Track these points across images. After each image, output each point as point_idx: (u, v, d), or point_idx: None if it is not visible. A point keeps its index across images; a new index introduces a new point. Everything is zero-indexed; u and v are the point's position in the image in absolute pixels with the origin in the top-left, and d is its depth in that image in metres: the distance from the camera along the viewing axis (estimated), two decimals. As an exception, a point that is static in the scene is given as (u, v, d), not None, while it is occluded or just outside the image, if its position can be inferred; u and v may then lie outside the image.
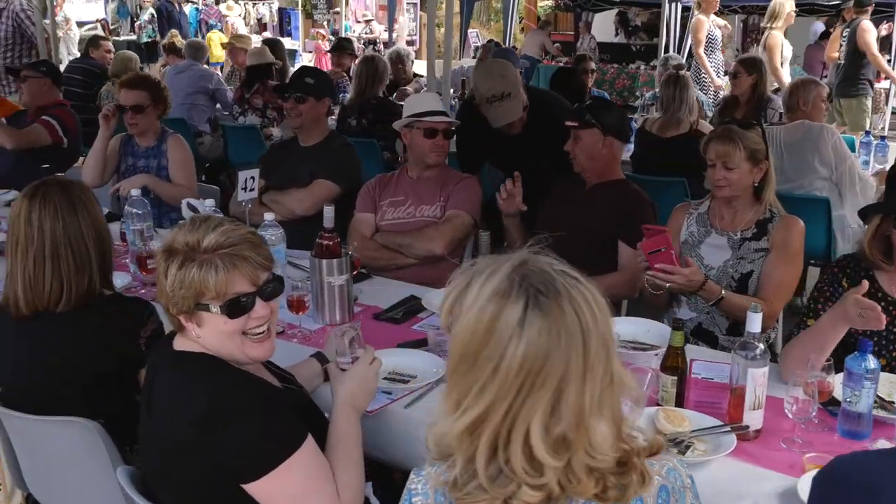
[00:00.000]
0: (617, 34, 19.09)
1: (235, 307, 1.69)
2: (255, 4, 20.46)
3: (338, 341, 2.02)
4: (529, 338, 1.23)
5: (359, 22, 21.60)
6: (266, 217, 2.98)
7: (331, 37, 17.97)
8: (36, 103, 4.81)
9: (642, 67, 14.76)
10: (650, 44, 17.81)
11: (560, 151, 3.52)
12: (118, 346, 2.13)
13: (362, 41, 18.08)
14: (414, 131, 3.41)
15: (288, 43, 16.37)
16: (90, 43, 7.45)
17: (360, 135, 5.34)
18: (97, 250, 2.16)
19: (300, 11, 21.67)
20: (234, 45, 7.96)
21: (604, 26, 18.51)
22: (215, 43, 13.70)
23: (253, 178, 2.89)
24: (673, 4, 13.69)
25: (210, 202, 2.95)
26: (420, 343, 2.49)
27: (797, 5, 14.27)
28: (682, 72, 4.99)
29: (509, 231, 3.43)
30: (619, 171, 3.45)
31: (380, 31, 19.54)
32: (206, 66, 7.21)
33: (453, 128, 3.49)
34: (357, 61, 5.97)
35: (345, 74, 7.27)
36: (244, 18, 20.57)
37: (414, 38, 22.62)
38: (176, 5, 10.94)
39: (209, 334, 1.70)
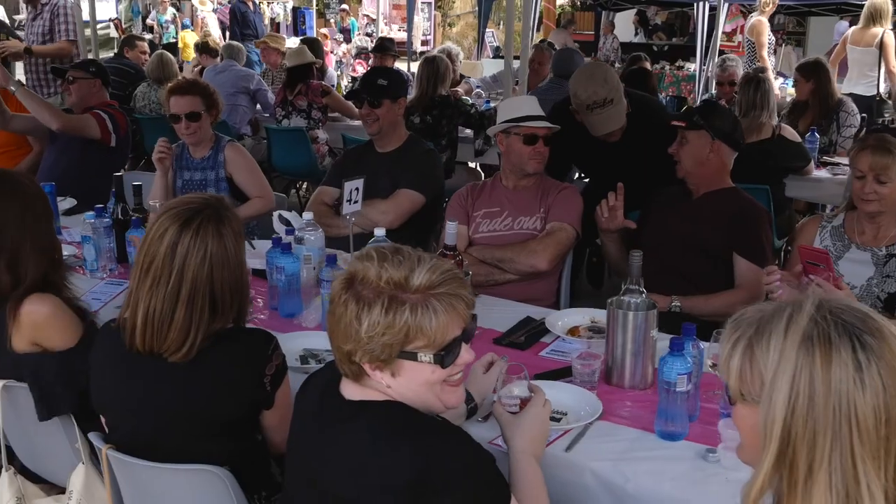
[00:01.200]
0: (637, 34, 18.88)
1: (450, 354, 1.45)
2: (269, 4, 20.20)
3: (503, 381, 1.80)
4: (873, 386, 0.99)
5: (367, 23, 21.41)
6: (305, 216, 2.80)
7: (338, 35, 17.66)
8: (84, 105, 4.56)
9: (667, 68, 14.53)
10: (674, 44, 17.65)
11: (662, 160, 3.31)
12: (243, 388, 1.89)
13: (370, 41, 17.82)
14: (512, 137, 3.17)
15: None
16: (125, 43, 7.21)
17: (423, 133, 5.19)
18: (239, 296, 1.92)
19: (314, 11, 21.43)
20: (268, 45, 7.72)
21: (623, 26, 18.30)
22: (188, 43, 13.39)
23: (357, 189, 2.65)
24: (701, 4, 13.47)
25: (308, 215, 2.73)
26: (561, 373, 2.26)
27: (823, 5, 14.08)
28: (761, 74, 4.75)
29: (608, 249, 3.21)
30: (728, 179, 3.20)
31: (388, 31, 19.34)
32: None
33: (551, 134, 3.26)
34: (419, 62, 5.74)
35: (387, 75, 7.04)
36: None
37: (428, 37, 22.42)
38: (250, 5, 10.58)
39: (406, 384, 1.46)
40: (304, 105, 6.04)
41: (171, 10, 17.34)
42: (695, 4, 13.63)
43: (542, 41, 7.46)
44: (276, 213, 2.87)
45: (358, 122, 6.36)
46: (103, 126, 4.41)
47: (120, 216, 3.14)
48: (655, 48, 17.32)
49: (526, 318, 2.69)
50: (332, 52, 14.97)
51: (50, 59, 6.05)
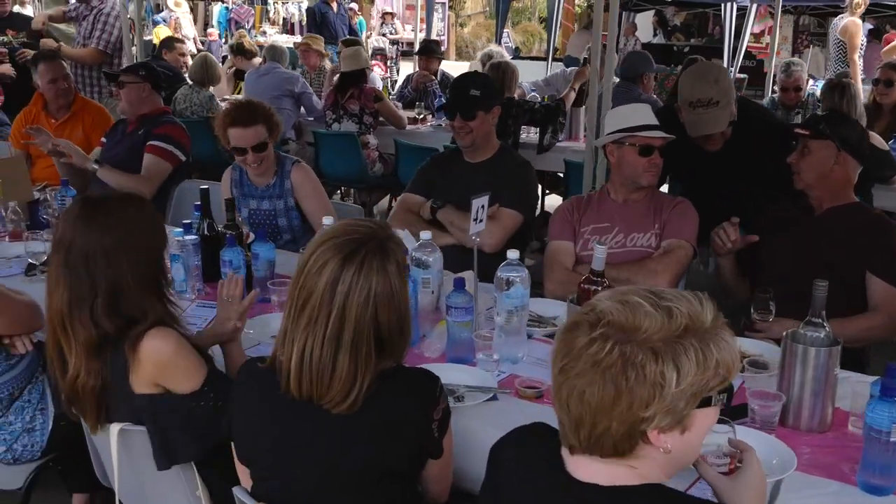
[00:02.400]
0: (655, 34, 18.66)
1: (729, 386, 1.28)
2: (284, 3, 19.98)
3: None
4: None
5: (383, 22, 21.16)
6: (423, 235, 2.59)
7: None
8: (136, 112, 4.32)
9: (691, 69, 14.22)
10: (694, 45, 17.45)
11: (769, 173, 3.10)
12: (411, 436, 1.67)
13: (387, 41, 17.60)
14: (625, 148, 2.96)
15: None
16: (163, 45, 7.00)
17: None
18: (406, 332, 1.70)
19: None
20: (310, 47, 7.49)
21: (642, 27, 18.09)
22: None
23: (483, 206, 2.44)
24: (728, 5, 13.29)
25: (427, 234, 2.52)
26: (732, 413, 2.04)
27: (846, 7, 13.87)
28: (845, 79, 4.54)
29: (724, 271, 3.00)
30: (852, 193, 2.99)
31: (401, 31, 19.09)
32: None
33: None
34: (486, 68, 5.53)
35: (433, 78, 6.82)
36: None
37: (442, 37, 22.20)
38: (333, 6, 10.24)
39: (693, 438, 1.27)
40: (356, 109, 5.82)
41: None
42: (722, 5, 13.46)
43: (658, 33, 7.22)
44: (400, 232, 2.65)
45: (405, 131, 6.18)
46: (173, 159, 4.17)
47: (206, 232, 2.93)
48: (675, 49, 17.13)
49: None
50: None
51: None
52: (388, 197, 6.56)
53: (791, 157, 2.92)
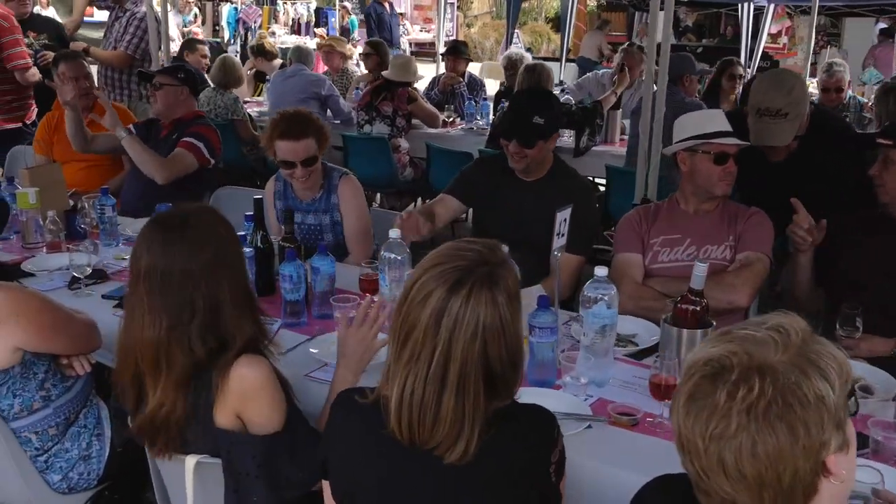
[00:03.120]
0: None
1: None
2: (293, 3, 19.85)
3: None
4: None
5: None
6: (392, 234, 2.49)
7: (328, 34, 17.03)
8: (171, 115, 4.20)
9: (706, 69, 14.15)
10: (707, 45, 17.31)
11: (838, 185, 2.97)
12: (529, 482, 1.52)
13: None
14: (698, 156, 2.82)
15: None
16: (185, 46, 6.85)
17: None
18: (519, 366, 1.54)
19: (337, 11, 21.04)
20: (334, 49, 7.35)
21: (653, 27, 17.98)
22: None
23: (566, 220, 2.30)
24: (746, 4, 13.14)
25: (396, 232, 2.47)
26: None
27: (866, 6, 13.75)
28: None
29: (801, 276, 2.87)
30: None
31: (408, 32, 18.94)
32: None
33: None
34: (521, 70, 5.39)
35: (461, 80, 6.67)
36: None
37: (451, 38, 22.07)
38: (386, 6, 10.03)
39: (851, 460, 1.17)
40: (389, 111, 5.68)
41: (194, 11, 17.01)
42: (739, 5, 13.31)
43: (630, 43, 7.08)
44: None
45: (438, 131, 6.04)
46: (200, 156, 4.04)
47: (260, 244, 2.79)
48: (687, 49, 16.97)
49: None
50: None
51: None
52: (417, 202, 6.42)
53: (873, 168, 2.79)
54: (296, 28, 20.28)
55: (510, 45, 16.67)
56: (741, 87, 5.95)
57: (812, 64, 15.28)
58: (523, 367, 1.60)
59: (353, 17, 19.58)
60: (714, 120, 2.87)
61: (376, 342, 2.00)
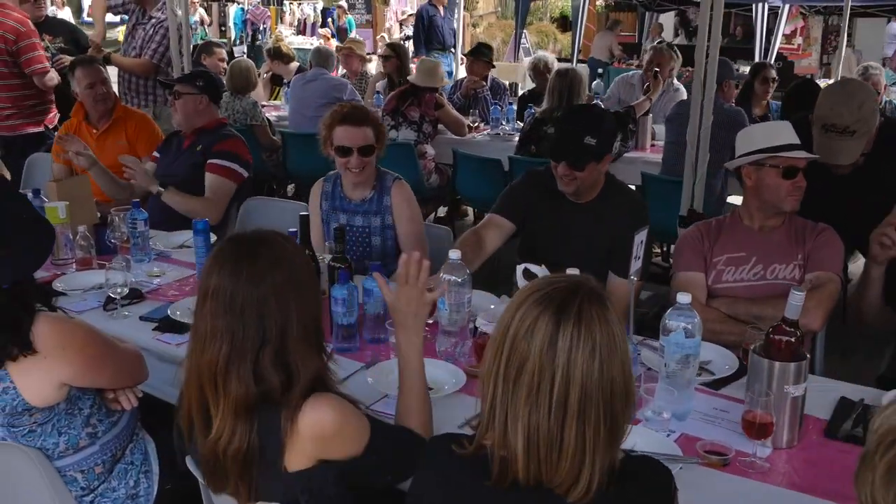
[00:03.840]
0: (677, 35, 18.39)
1: None
2: (299, 4, 19.73)
3: None
4: None
5: (400, 22, 20.90)
6: (452, 255, 2.35)
7: (332, 35, 16.87)
8: (192, 125, 4.03)
9: (720, 70, 14.02)
10: (722, 45, 17.17)
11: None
12: None
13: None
14: (766, 170, 2.68)
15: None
16: (202, 50, 6.70)
17: None
18: (631, 394, 1.41)
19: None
20: (353, 52, 7.21)
21: (664, 27, 17.83)
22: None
23: (643, 241, 2.17)
24: (760, 5, 13.01)
25: (456, 254, 2.33)
26: None
27: (881, 6, 13.64)
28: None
29: (873, 284, 2.70)
30: None
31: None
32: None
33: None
34: (551, 74, 5.26)
35: (484, 84, 6.52)
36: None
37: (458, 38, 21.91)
38: (440, 10, 9.77)
39: None
40: (416, 117, 5.54)
41: (200, 11, 16.87)
42: (753, 6, 13.18)
43: (660, 41, 6.95)
44: (520, 268, 2.39)
45: (464, 138, 5.89)
46: (236, 176, 3.89)
47: (307, 264, 2.65)
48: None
49: (840, 398, 2.20)
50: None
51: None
52: (441, 209, 6.29)
53: None
54: (302, 29, 20.17)
55: (519, 45, 16.57)
56: (772, 90, 5.82)
57: (825, 64, 15.21)
58: (637, 397, 1.47)
59: (350, 16, 19.46)
60: (782, 132, 2.73)
61: (426, 296, 1.94)
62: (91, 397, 2.04)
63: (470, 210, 6.74)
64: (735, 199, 5.06)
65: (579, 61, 15.05)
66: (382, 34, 18.06)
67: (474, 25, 27.52)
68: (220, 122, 4.17)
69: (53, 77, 5.25)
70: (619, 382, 1.38)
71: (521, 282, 2.39)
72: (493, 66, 6.80)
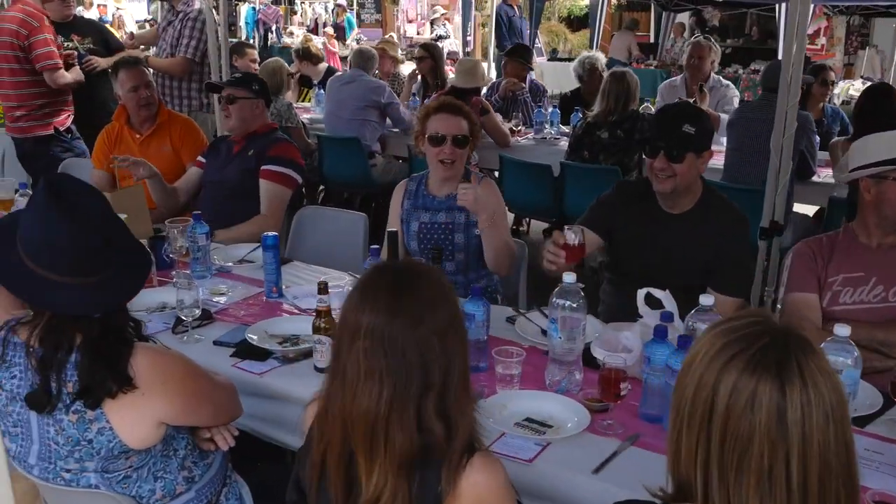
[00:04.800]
0: (694, 35, 18.18)
1: None
2: (311, 4, 19.53)
3: None
4: None
5: (411, 22, 20.71)
6: (566, 279, 2.16)
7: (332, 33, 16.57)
8: (246, 130, 3.85)
9: (740, 71, 13.99)
10: (737, 45, 17.03)
11: None
12: None
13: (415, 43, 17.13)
14: (888, 183, 2.49)
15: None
16: (234, 50, 6.48)
17: (613, 149, 4.87)
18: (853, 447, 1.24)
19: (354, 11, 20.69)
20: (386, 52, 7.01)
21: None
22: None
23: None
24: (783, 4, 12.81)
25: (571, 277, 2.12)
26: None
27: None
28: None
29: None
30: None
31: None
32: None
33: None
34: (606, 77, 5.07)
35: (523, 86, 6.31)
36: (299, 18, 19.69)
37: (469, 38, 21.73)
38: (516, 9, 9.55)
39: None
40: (461, 122, 5.34)
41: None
42: (777, 6, 12.97)
43: (698, 34, 6.78)
44: (642, 292, 2.19)
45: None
46: (291, 183, 3.74)
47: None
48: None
49: None
50: (337, 53, 14.19)
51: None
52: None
53: None
54: (313, 28, 19.94)
55: (533, 46, 16.37)
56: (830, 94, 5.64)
57: (847, 65, 15.00)
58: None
59: (349, 14, 19.22)
60: (902, 143, 2.54)
61: None
62: (185, 437, 1.85)
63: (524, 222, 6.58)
64: (800, 208, 4.87)
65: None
66: (391, 34, 17.86)
67: (483, 25, 27.36)
68: (271, 127, 4.00)
69: (66, 75, 5.03)
70: (851, 440, 1.19)
71: (642, 307, 2.19)
72: (532, 69, 6.60)
